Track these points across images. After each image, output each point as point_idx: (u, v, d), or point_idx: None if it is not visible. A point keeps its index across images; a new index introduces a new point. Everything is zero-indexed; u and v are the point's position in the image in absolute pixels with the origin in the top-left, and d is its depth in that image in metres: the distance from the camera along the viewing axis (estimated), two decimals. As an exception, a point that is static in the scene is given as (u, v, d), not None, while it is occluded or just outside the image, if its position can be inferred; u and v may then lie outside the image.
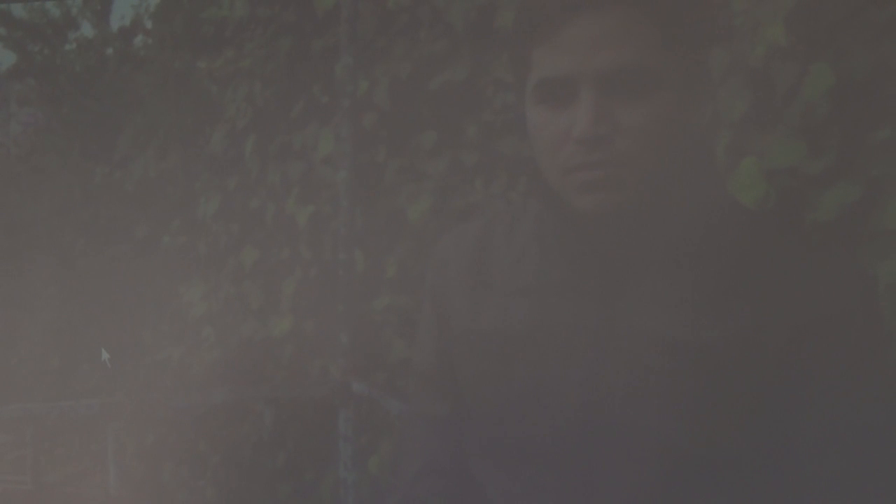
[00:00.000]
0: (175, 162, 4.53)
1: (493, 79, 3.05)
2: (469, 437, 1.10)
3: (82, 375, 4.94)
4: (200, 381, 4.08)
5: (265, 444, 3.63)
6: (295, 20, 3.87)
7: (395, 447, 1.22)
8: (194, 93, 4.55)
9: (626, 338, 1.00)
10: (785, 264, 0.99)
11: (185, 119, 4.54)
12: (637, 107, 0.95)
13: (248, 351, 3.89)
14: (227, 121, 4.26)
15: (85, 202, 4.98)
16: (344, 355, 3.09)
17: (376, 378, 3.24)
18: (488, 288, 1.09)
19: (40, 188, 5.20)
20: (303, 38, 3.84)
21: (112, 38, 5.03)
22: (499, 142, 3.04)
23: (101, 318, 4.83)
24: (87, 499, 4.64)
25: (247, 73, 4.12)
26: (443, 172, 3.16)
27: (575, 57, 0.95)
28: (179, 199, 4.51)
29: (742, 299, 0.97)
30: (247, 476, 3.86)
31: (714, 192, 1.03)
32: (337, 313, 3.11)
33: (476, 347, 1.08)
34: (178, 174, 4.51)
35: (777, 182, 1.99)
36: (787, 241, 1.01)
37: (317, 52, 3.74)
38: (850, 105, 1.93)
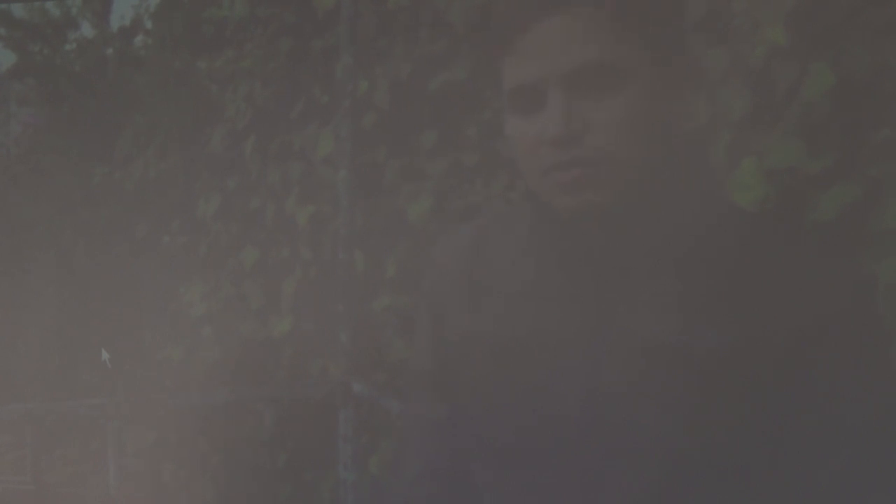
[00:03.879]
0: (175, 162, 4.53)
1: (493, 79, 3.05)
2: (467, 439, 1.10)
3: (82, 375, 4.93)
4: (200, 381, 4.07)
5: (265, 445, 3.63)
6: (295, 20, 3.87)
7: (394, 449, 1.22)
8: (194, 93, 4.55)
9: (621, 341, 0.99)
10: (783, 265, 0.98)
11: (185, 119, 4.54)
12: (606, 103, 0.96)
13: (248, 351, 3.89)
14: (227, 121, 4.26)
15: (85, 202, 4.97)
16: (344, 355, 3.09)
17: (376, 378, 3.24)
18: (484, 291, 1.09)
19: (40, 188, 5.20)
20: (303, 38, 3.84)
21: (112, 38, 5.03)
22: (499, 142, 3.04)
23: (101, 318, 4.82)
24: (87, 499, 4.63)
25: (247, 73, 4.12)
26: (443, 172, 3.16)
27: (540, 61, 0.97)
28: (179, 199, 4.51)
29: (740, 300, 0.97)
30: (247, 476, 3.86)
31: (708, 193, 1.03)
32: (337, 313, 3.12)
33: (472, 350, 1.08)
34: (178, 174, 4.51)
35: (777, 182, 1.99)
36: (785, 242, 1.00)
37: (317, 52, 3.74)
38: (850, 105, 1.93)
